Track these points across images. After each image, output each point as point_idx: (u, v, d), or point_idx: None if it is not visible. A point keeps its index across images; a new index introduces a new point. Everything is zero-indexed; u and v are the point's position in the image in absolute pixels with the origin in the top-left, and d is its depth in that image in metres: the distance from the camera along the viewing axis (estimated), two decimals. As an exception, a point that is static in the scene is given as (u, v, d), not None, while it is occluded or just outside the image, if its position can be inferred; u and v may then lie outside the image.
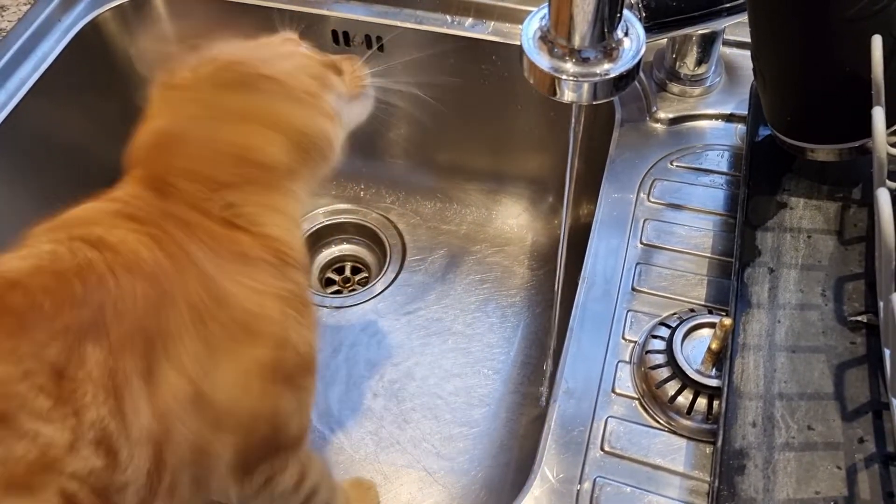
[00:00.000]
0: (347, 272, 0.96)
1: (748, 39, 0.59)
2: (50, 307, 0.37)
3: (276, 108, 0.50)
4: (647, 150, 0.72)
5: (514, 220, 0.97)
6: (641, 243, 0.65)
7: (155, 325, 0.40)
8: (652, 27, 0.66)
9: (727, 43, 0.78)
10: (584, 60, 0.46)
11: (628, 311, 0.61)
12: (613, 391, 0.57)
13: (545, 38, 0.47)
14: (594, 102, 0.48)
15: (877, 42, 0.49)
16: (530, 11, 0.49)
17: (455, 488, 0.76)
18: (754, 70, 0.61)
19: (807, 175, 0.63)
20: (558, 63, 0.46)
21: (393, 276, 0.92)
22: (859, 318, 0.54)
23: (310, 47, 0.56)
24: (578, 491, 0.52)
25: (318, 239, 0.97)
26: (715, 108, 0.75)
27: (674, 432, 0.54)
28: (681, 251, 0.64)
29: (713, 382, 0.54)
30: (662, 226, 0.66)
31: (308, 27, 0.85)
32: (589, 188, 0.77)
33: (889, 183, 0.46)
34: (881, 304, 0.47)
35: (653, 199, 0.68)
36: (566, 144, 0.54)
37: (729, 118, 0.74)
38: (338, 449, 0.79)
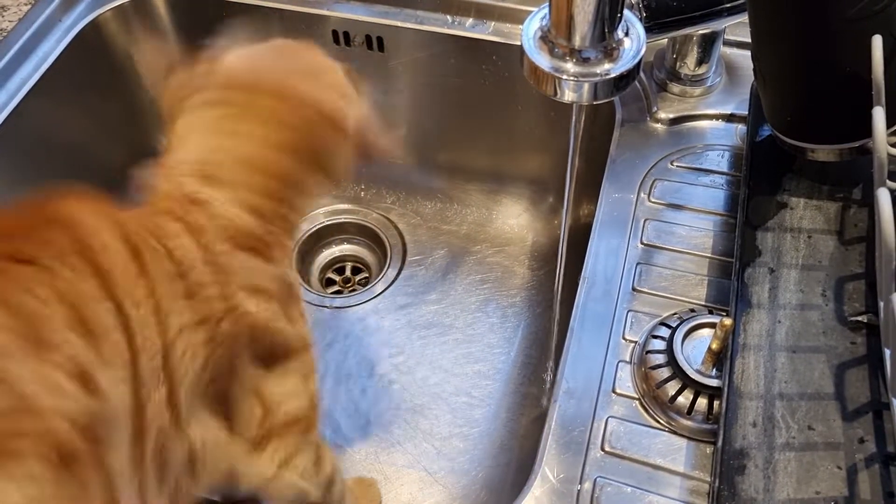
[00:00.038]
0: (348, 272, 0.96)
1: (748, 39, 0.59)
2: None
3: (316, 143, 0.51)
4: (648, 150, 0.72)
5: (514, 220, 0.97)
6: (642, 243, 0.65)
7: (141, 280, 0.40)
8: (652, 27, 0.66)
9: (727, 43, 0.78)
10: (585, 60, 0.46)
11: (629, 311, 0.61)
12: (614, 391, 0.57)
13: (546, 39, 0.47)
14: (594, 102, 0.48)
15: (877, 42, 0.49)
16: (531, 11, 0.49)
17: (455, 488, 0.76)
18: (754, 70, 0.61)
19: (807, 175, 0.63)
20: (559, 63, 0.47)
21: (393, 276, 0.92)
22: (860, 319, 0.54)
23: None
24: (579, 491, 0.52)
25: (319, 239, 0.97)
26: (715, 109, 0.75)
27: (674, 432, 0.54)
28: (681, 251, 0.64)
29: (713, 382, 0.54)
30: (663, 226, 0.66)
31: (308, 27, 0.86)
32: (589, 188, 0.77)
33: (889, 183, 0.46)
34: (881, 304, 0.47)
35: (653, 200, 0.68)
36: (566, 144, 0.55)
37: (729, 118, 0.74)
38: (338, 449, 0.79)
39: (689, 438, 0.54)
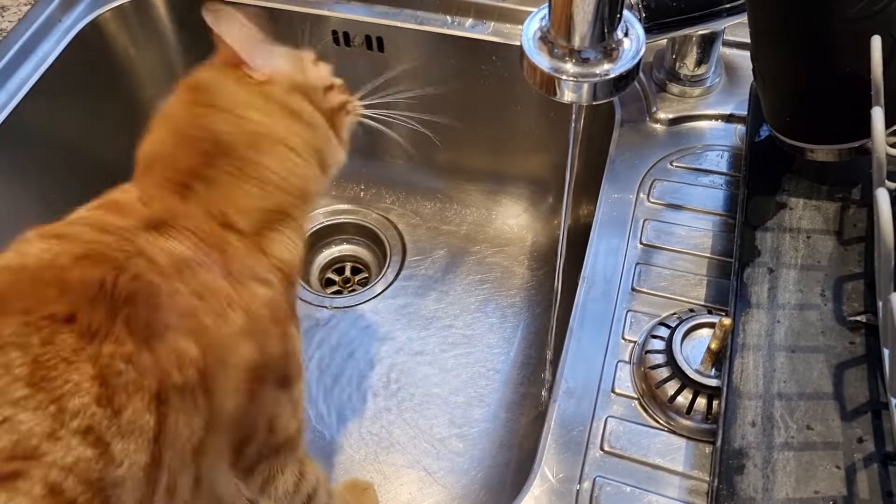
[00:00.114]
0: (347, 272, 0.96)
1: (748, 40, 0.59)
2: (31, 296, 0.37)
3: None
4: (647, 151, 0.72)
5: (514, 220, 0.97)
6: (641, 243, 0.65)
7: (144, 318, 0.40)
8: (652, 28, 0.66)
9: (727, 43, 0.78)
10: (584, 61, 0.46)
11: (628, 311, 0.61)
12: (613, 391, 0.57)
13: (545, 39, 0.47)
14: (594, 103, 0.48)
15: (876, 43, 0.49)
16: (530, 12, 0.49)
17: (455, 488, 0.76)
18: (754, 70, 0.61)
19: (806, 175, 0.63)
20: (558, 63, 0.47)
21: (393, 276, 0.92)
22: (858, 318, 0.54)
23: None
24: (578, 491, 0.52)
25: (318, 239, 0.97)
26: (715, 109, 0.75)
27: (673, 432, 0.54)
28: (680, 251, 0.64)
29: (712, 382, 0.54)
30: (662, 226, 0.66)
31: (308, 27, 0.86)
32: (589, 188, 0.77)
33: (888, 183, 0.46)
34: (880, 303, 0.47)
35: (653, 200, 0.68)
36: (566, 145, 0.55)
37: (729, 119, 0.74)
38: (338, 449, 0.79)
39: (689, 438, 0.54)
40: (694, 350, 0.56)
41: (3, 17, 0.80)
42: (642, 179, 0.70)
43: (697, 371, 0.55)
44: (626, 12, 0.46)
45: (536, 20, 0.48)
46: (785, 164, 0.63)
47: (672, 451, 0.54)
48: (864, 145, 0.56)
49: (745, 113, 0.70)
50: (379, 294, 0.91)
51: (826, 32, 0.53)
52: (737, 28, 0.73)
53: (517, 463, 0.77)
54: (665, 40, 0.76)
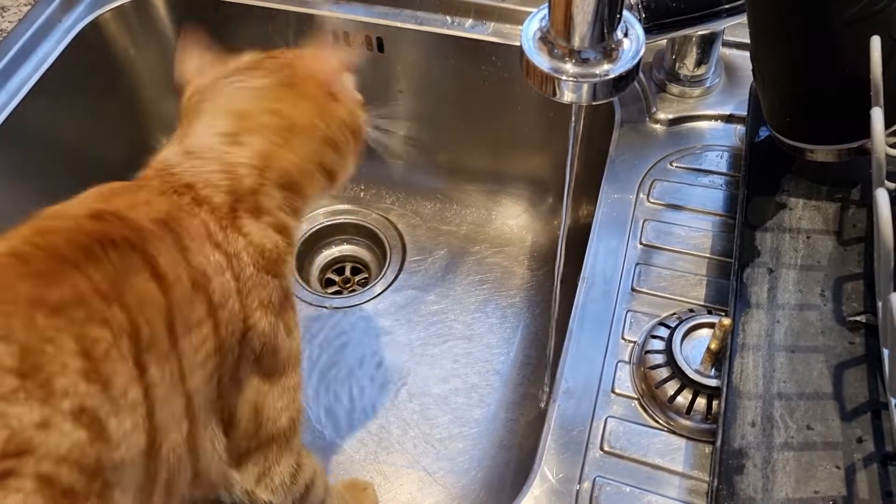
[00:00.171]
0: (347, 273, 0.96)
1: (748, 40, 0.59)
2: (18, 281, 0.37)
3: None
4: (647, 151, 0.72)
5: (513, 220, 0.97)
6: (641, 244, 0.65)
7: (135, 307, 0.39)
8: (651, 28, 0.66)
9: (727, 44, 0.78)
10: (584, 61, 0.46)
11: (628, 312, 0.61)
12: (613, 391, 0.57)
13: (545, 39, 0.47)
14: (594, 103, 0.48)
15: (875, 43, 0.49)
16: (530, 12, 0.49)
17: (455, 488, 0.76)
18: (753, 71, 0.61)
19: (806, 176, 0.63)
20: (558, 64, 0.47)
21: (393, 276, 0.92)
22: (858, 319, 0.54)
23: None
24: (578, 491, 0.52)
25: (318, 239, 0.97)
26: (714, 109, 0.75)
27: (673, 432, 0.54)
28: (680, 251, 0.64)
29: (712, 382, 0.54)
30: (662, 226, 0.66)
31: (308, 28, 0.86)
32: (589, 189, 0.77)
33: (888, 183, 0.46)
34: (880, 304, 0.47)
35: (652, 200, 0.68)
36: (566, 145, 0.55)
37: (728, 119, 0.74)
38: (338, 449, 0.79)
39: (688, 438, 0.54)
40: (694, 350, 0.56)
41: (3, 17, 0.80)
42: (642, 180, 0.70)
43: (697, 371, 0.55)
44: (625, 13, 0.46)
45: (536, 20, 0.48)
46: (785, 165, 0.63)
47: (672, 451, 0.54)
48: (864, 146, 0.56)
49: (745, 113, 0.70)
50: (379, 294, 0.91)
51: (826, 33, 0.53)
52: (737, 28, 0.73)
53: (517, 463, 0.77)
54: (665, 41, 0.76)
